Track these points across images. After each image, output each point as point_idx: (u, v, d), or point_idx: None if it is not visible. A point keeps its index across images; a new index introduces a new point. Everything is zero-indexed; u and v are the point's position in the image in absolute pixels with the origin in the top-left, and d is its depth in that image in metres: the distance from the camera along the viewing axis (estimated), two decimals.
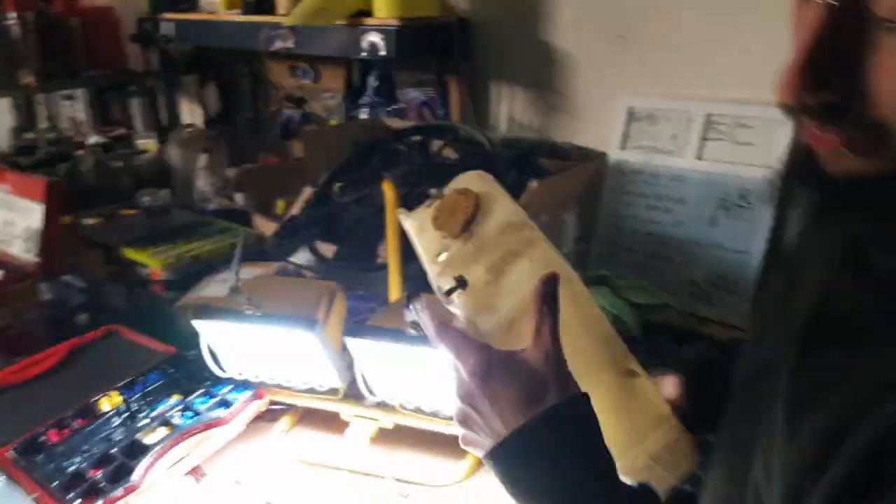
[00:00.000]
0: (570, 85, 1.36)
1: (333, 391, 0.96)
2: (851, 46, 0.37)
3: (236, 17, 1.76)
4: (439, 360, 0.82)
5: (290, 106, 2.00)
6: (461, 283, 0.55)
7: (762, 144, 1.15)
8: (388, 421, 0.95)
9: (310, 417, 1.03)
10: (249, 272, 1.21)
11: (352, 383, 0.92)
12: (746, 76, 1.11)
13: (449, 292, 0.55)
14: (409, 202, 0.98)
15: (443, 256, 0.57)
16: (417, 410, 0.92)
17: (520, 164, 1.13)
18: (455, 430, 0.87)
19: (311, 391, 0.97)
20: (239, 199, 1.74)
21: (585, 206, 1.26)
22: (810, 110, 0.40)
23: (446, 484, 0.91)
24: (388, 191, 0.93)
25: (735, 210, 1.19)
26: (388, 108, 1.68)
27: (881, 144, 0.38)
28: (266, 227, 1.51)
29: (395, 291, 0.99)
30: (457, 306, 0.56)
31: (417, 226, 0.60)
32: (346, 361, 0.90)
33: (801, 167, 0.45)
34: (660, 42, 1.20)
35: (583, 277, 0.61)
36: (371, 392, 0.91)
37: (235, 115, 2.23)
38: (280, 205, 1.69)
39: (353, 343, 0.84)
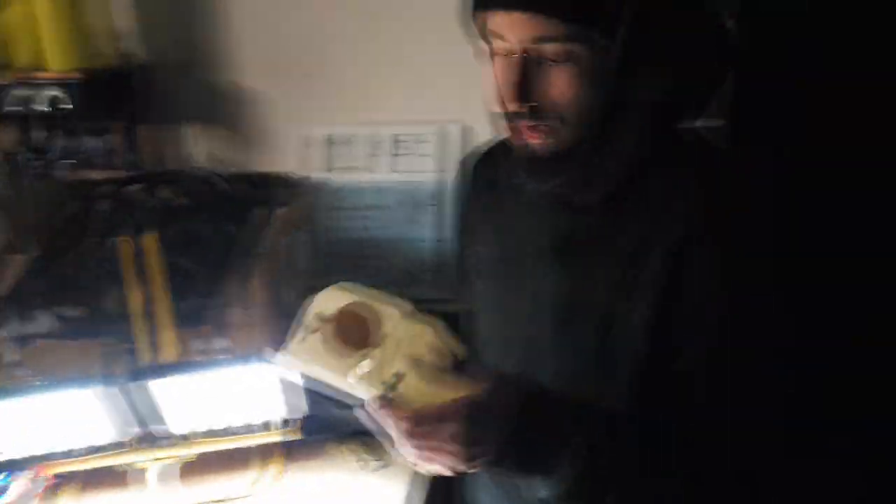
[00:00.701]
0: (266, 120, 1.49)
1: (122, 444, 0.96)
2: (538, 76, 0.65)
3: None
4: (229, 378, 0.91)
5: None
6: (399, 375, 0.66)
7: (437, 154, 1.45)
8: (188, 454, 1.00)
9: (99, 479, 1.01)
10: None
11: (145, 428, 0.95)
12: (419, 100, 1.39)
13: (393, 386, 0.65)
14: (170, 250, 1.03)
15: (367, 365, 0.67)
16: (215, 434, 0.98)
17: (254, 197, 1.23)
18: (264, 440, 0.98)
19: (101, 450, 0.96)
20: None
21: (310, 225, 1.42)
22: (522, 115, 0.67)
23: (258, 492, 1.00)
24: (125, 247, 0.94)
25: (427, 208, 1.46)
26: (71, 161, 1.60)
27: (559, 129, 0.67)
28: None
29: (170, 349, 1.01)
30: (403, 393, 0.65)
31: (313, 354, 0.67)
32: (147, 406, 0.93)
33: (520, 154, 0.71)
34: (344, 77, 1.41)
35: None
36: (173, 429, 0.95)
37: None
38: None
39: (154, 384, 0.88)
